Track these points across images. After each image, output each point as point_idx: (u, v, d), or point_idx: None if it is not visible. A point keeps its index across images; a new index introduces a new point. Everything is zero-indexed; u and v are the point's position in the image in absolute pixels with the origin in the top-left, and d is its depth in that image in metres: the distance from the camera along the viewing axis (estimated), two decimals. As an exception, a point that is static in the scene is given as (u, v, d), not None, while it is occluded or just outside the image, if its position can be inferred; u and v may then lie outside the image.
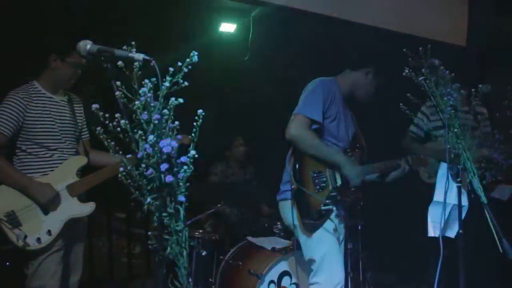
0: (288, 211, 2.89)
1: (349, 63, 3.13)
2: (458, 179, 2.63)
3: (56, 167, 2.95)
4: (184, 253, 1.74)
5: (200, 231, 4.06)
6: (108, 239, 4.99)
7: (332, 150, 2.92)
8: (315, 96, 2.92)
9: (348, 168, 2.89)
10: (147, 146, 1.69)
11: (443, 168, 2.77)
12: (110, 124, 1.70)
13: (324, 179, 2.89)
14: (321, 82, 3.01)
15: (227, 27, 4.86)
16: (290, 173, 2.82)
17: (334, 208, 2.86)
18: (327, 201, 2.84)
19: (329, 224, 2.89)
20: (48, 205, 2.84)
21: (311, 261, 2.91)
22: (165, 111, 1.71)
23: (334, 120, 2.97)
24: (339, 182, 2.94)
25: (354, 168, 2.91)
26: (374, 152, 3.17)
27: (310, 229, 2.87)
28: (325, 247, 2.86)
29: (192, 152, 1.75)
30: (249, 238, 3.95)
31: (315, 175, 2.86)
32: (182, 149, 1.76)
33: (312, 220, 2.83)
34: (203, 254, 3.79)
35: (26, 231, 2.76)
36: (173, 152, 1.69)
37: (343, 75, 3.14)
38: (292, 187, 2.77)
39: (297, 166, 2.82)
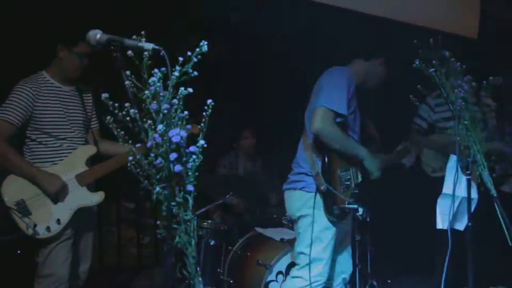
0: (294, 201, 2.89)
1: (362, 53, 3.06)
2: (468, 172, 2.61)
3: (66, 156, 2.97)
4: (193, 242, 1.75)
5: (209, 221, 4.08)
6: (117, 229, 5.02)
7: (355, 143, 2.89)
8: (339, 87, 2.80)
9: (370, 162, 2.88)
10: (156, 135, 1.69)
11: (452, 160, 2.76)
12: (120, 114, 1.70)
13: (348, 177, 2.87)
14: (344, 72, 2.91)
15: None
16: (318, 171, 2.75)
17: (360, 208, 2.78)
18: (352, 199, 2.81)
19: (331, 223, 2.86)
20: (56, 195, 2.86)
21: (301, 254, 2.86)
22: (175, 100, 1.71)
23: (352, 113, 2.90)
24: (359, 179, 2.95)
25: (375, 161, 2.91)
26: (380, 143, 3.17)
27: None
28: (321, 246, 2.82)
29: (201, 141, 1.75)
30: (258, 229, 3.96)
31: (342, 173, 2.83)
32: (191, 139, 1.76)
33: (336, 218, 2.79)
34: (212, 243, 3.80)
35: (36, 219, 2.79)
36: (182, 141, 1.69)
37: (356, 65, 3.05)
38: (322, 188, 2.72)
39: (326, 163, 2.76)
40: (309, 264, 2.78)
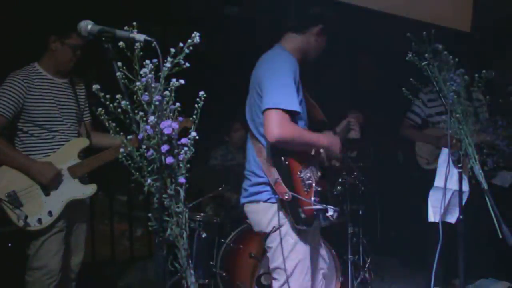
0: (261, 216, 2.57)
1: (293, 26, 2.67)
2: (459, 165, 2.63)
3: (58, 148, 2.96)
4: (184, 234, 1.75)
5: (202, 214, 4.08)
6: (109, 221, 5.02)
7: (312, 135, 2.55)
8: (286, 81, 2.42)
9: (330, 147, 2.60)
10: (148, 127, 1.68)
11: (444, 153, 2.77)
12: (111, 105, 1.69)
13: (309, 175, 2.54)
14: (285, 59, 2.52)
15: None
16: (277, 179, 2.43)
17: (330, 208, 2.48)
18: (317, 199, 2.49)
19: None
20: (50, 184, 2.85)
21: (279, 270, 2.52)
22: (166, 92, 1.70)
23: (300, 102, 2.52)
24: (319, 174, 2.63)
25: (335, 146, 2.62)
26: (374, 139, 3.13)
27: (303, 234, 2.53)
28: (299, 255, 2.50)
29: (193, 133, 1.74)
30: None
31: (302, 175, 2.51)
32: (183, 132, 1.76)
33: (306, 225, 2.46)
34: (204, 236, 3.80)
35: (27, 211, 2.78)
36: (173, 133, 1.69)
37: (290, 42, 2.65)
38: (286, 197, 2.39)
39: (284, 167, 2.45)
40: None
